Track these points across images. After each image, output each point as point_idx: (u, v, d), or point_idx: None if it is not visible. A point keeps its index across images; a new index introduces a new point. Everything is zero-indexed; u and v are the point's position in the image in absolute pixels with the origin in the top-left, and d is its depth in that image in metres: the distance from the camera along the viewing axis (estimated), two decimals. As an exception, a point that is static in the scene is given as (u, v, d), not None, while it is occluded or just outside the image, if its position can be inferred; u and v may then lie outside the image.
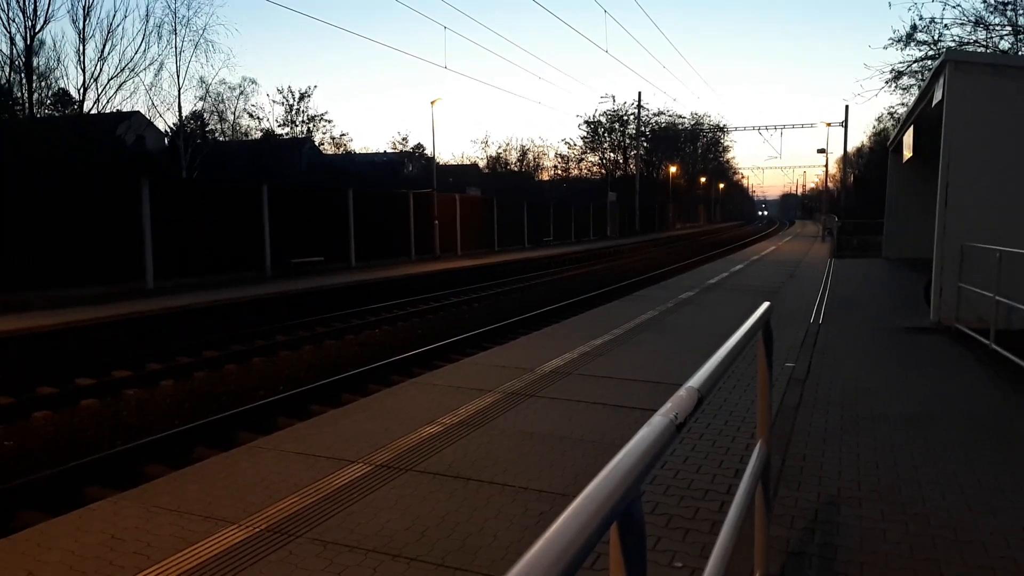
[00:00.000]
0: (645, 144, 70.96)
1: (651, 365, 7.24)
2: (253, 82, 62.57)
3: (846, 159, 52.87)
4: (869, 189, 47.42)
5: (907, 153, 15.45)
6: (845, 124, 45.54)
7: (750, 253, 28.06)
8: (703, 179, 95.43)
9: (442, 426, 5.19)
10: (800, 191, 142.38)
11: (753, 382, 6.34)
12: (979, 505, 3.81)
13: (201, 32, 40.16)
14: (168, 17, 35.15)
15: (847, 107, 58.54)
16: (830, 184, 63.04)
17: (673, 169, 76.66)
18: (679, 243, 48.05)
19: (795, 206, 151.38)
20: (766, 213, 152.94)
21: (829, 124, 49.89)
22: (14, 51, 24.86)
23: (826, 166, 61.96)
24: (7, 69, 25.04)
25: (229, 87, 46.68)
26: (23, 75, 25.10)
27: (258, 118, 43.65)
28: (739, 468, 4.32)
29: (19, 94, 25.52)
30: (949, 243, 9.38)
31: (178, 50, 31.13)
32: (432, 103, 33.50)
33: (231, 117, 39.26)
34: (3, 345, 9.96)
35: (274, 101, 59.86)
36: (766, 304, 2.71)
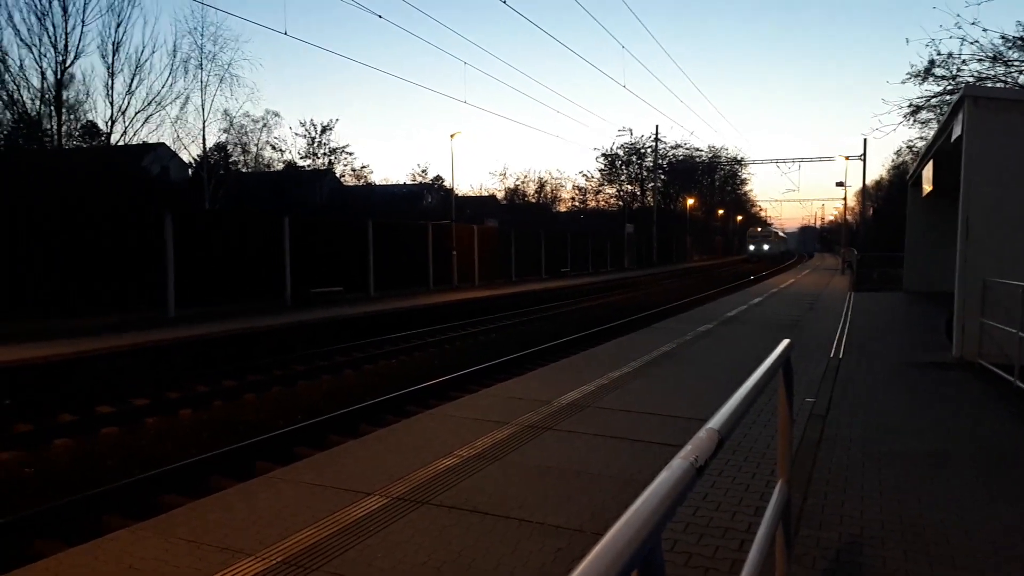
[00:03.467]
0: (662, 176, 71.20)
1: (669, 399, 7.19)
2: (276, 115, 63.54)
3: (865, 192, 52.77)
4: (888, 222, 47.17)
5: (926, 187, 15.39)
6: (863, 158, 45.44)
7: (769, 286, 27.91)
8: (721, 211, 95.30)
9: (459, 459, 5.17)
10: (819, 224, 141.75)
11: (772, 417, 6.28)
12: (1005, 547, 3.73)
13: (226, 67, 40.86)
14: (195, 52, 35.88)
15: (865, 141, 58.17)
16: (849, 217, 62.74)
17: (690, 201, 76.68)
18: (696, 275, 47.89)
19: (814, 239, 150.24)
20: (766, 248, 78.86)
21: (847, 157, 49.77)
22: (45, 84, 25.43)
23: (844, 199, 61.65)
24: (37, 102, 25.64)
25: (252, 120, 47.45)
26: (53, 108, 25.67)
27: (280, 150, 44.11)
28: (759, 506, 4.27)
29: (48, 126, 26.08)
30: (970, 278, 9.29)
31: (204, 84, 31.64)
32: (452, 136, 33.86)
33: (254, 149, 39.83)
34: (26, 372, 10.08)
35: (296, 134, 60.75)
36: (786, 341, 2.70)
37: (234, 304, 17.49)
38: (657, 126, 77.53)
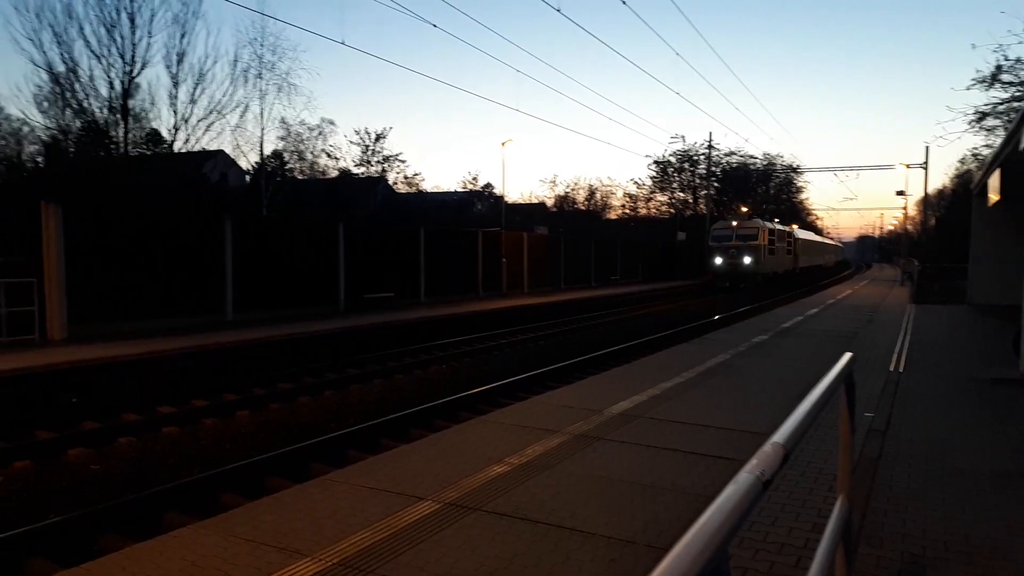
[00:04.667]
0: (716, 184, 70.17)
1: (723, 411, 7.09)
2: (331, 123, 64.83)
3: (926, 201, 51.25)
4: (951, 232, 45.75)
5: (993, 196, 14.87)
6: (925, 166, 44.20)
7: (826, 296, 27.30)
8: (776, 220, 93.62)
9: (509, 466, 5.19)
10: (878, 233, 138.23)
11: (831, 432, 6.14)
12: (1079, 573, 3.58)
13: (284, 76, 41.60)
14: (254, 62, 36.81)
15: (927, 148, 56.80)
16: (909, 227, 61.06)
17: (744, 209, 75.48)
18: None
19: (872, 248, 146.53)
20: (748, 262, 38.49)
21: (908, 166, 48.46)
22: (112, 94, 26.35)
23: (905, 208, 60.14)
24: (105, 111, 26.59)
25: (308, 128, 48.40)
26: (119, 116, 26.59)
27: (335, 158, 44.86)
28: (816, 522, 4.18)
29: (115, 134, 27.01)
30: (1041, 291, 8.95)
31: (262, 93, 32.38)
32: (503, 144, 34.14)
33: (310, 156, 40.56)
34: (92, 373, 10.45)
35: (351, 142, 61.64)
36: (848, 355, 2.65)
37: (289, 308, 17.84)
38: (711, 133, 76.81)
